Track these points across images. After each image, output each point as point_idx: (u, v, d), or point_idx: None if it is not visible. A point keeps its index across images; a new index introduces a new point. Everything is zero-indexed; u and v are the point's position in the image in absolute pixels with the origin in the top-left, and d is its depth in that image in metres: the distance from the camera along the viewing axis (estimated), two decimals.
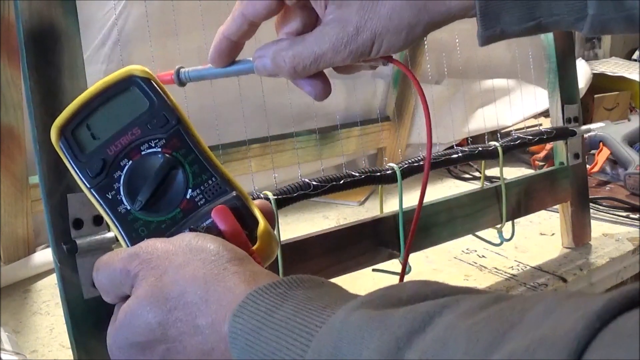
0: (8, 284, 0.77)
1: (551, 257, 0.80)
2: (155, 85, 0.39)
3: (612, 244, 0.83)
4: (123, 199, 0.37)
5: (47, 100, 0.43)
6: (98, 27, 0.86)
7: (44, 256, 0.81)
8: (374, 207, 0.99)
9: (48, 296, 0.75)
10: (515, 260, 0.79)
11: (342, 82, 1.05)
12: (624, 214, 0.95)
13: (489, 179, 1.04)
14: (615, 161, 1.12)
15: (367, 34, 0.37)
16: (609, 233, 0.87)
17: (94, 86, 0.38)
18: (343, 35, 0.37)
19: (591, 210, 0.84)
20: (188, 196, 0.38)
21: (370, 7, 0.37)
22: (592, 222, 0.84)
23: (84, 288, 0.45)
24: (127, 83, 0.39)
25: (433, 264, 0.78)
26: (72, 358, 0.45)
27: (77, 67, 0.44)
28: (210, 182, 0.38)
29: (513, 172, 1.03)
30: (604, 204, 0.98)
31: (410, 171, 0.62)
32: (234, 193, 0.38)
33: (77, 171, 0.38)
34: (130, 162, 0.38)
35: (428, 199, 0.66)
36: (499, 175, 0.72)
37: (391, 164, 0.62)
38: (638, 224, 0.91)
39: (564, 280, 0.72)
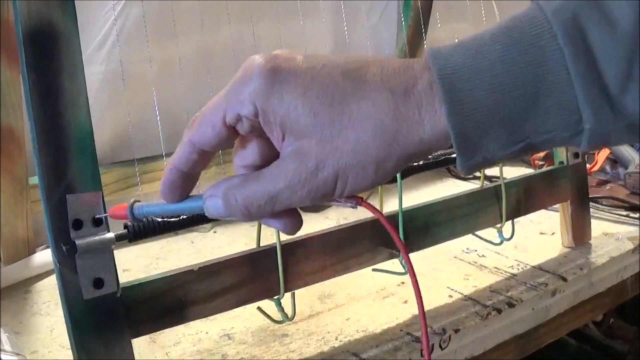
0: (8, 285, 0.77)
1: (551, 256, 0.80)
2: None
3: (612, 243, 0.83)
4: None
5: (47, 101, 0.43)
6: (97, 27, 0.86)
7: (44, 257, 0.81)
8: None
9: (48, 297, 0.75)
10: (515, 260, 0.79)
11: None
12: (624, 213, 0.95)
13: (488, 178, 1.04)
14: (615, 160, 1.12)
15: (329, 169, 0.32)
16: (609, 232, 0.87)
17: None
18: (301, 172, 0.32)
19: (591, 210, 0.84)
20: None
21: (331, 139, 0.31)
22: (592, 221, 0.84)
23: (84, 288, 0.45)
24: None
25: (433, 263, 0.78)
26: (72, 359, 0.45)
27: (77, 68, 0.44)
28: None
29: (513, 172, 1.02)
30: (604, 203, 0.98)
31: (409, 171, 0.62)
32: None
33: None
34: None
35: (428, 198, 0.66)
36: (498, 174, 0.72)
37: None
38: (638, 223, 0.90)
39: (564, 280, 0.72)
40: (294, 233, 0.37)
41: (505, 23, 0.31)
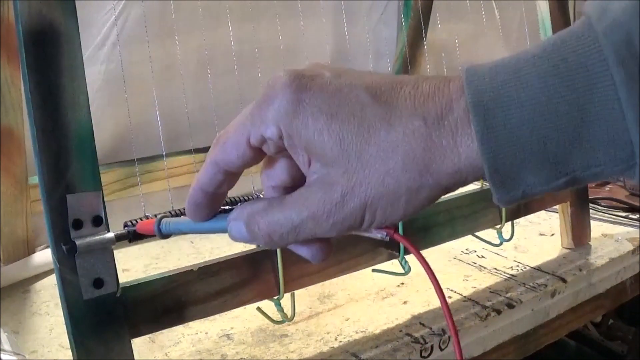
0: (8, 285, 0.77)
1: (551, 257, 0.80)
2: None
3: (612, 244, 0.83)
4: None
5: (47, 101, 0.43)
6: (98, 27, 0.86)
7: (44, 256, 0.81)
8: None
9: (47, 297, 0.75)
10: (515, 261, 0.79)
11: None
12: (624, 214, 0.95)
13: None
14: None
15: (356, 201, 0.30)
16: (608, 233, 0.87)
17: None
18: (326, 203, 0.30)
19: (591, 211, 0.84)
20: None
21: (358, 169, 0.29)
22: (592, 222, 0.84)
23: (84, 288, 0.44)
24: None
25: (433, 264, 0.76)
26: (71, 358, 0.45)
27: (77, 68, 0.44)
28: None
29: None
30: (603, 204, 0.98)
31: None
32: None
33: None
34: None
35: None
36: None
37: None
38: (637, 224, 0.91)
39: (564, 281, 0.72)
40: (322, 261, 0.34)
41: (551, 42, 0.28)
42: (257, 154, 0.32)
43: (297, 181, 0.33)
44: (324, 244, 0.34)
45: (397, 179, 0.29)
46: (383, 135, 0.29)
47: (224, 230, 0.34)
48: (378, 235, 0.33)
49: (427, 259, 0.34)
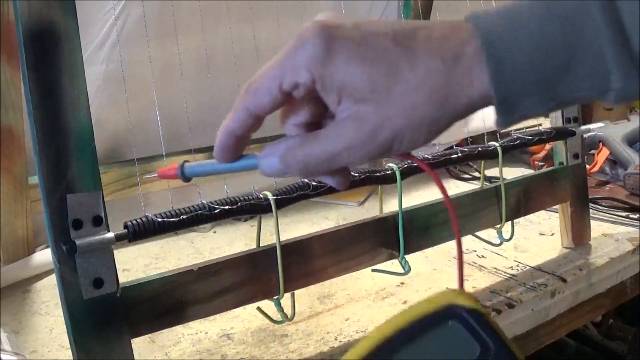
0: (8, 285, 0.77)
1: (551, 257, 0.80)
2: (488, 322, 0.31)
3: (612, 244, 0.83)
4: None
5: (47, 101, 0.43)
6: (98, 28, 0.86)
7: (44, 256, 0.81)
8: (374, 208, 0.99)
9: (48, 296, 0.75)
10: (515, 261, 0.79)
11: None
12: (624, 214, 0.95)
13: (488, 179, 1.04)
14: (614, 161, 1.12)
15: (387, 132, 0.34)
16: (608, 233, 0.87)
17: (396, 317, 0.33)
18: (360, 135, 0.34)
19: (591, 210, 0.84)
20: None
21: (388, 105, 0.34)
22: (592, 222, 0.84)
23: (84, 288, 0.45)
24: (445, 315, 0.32)
25: (433, 264, 0.78)
26: (71, 358, 0.45)
27: (77, 68, 0.44)
28: None
29: (513, 172, 1.03)
30: (603, 204, 0.98)
31: (409, 171, 0.62)
32: None
33: None
34: None
35: (428, 199, 0.66)
36: (498, 175, 0.72)
37: (391, 164, 0.62)
38: (637, 224, 0.91)
39: (564, 280, 0.72)
40: (344, 189, 0.40)
41: None
42: (286, 98, 0.36)
43: (317, 118, 0.37)
44: (346, 174, 0.39)
45: (421, 111, 0.34)
46: (408, 75, 0.34)
47: (250, 167, 0.38)
48: (398, 159, 0.38)
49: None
